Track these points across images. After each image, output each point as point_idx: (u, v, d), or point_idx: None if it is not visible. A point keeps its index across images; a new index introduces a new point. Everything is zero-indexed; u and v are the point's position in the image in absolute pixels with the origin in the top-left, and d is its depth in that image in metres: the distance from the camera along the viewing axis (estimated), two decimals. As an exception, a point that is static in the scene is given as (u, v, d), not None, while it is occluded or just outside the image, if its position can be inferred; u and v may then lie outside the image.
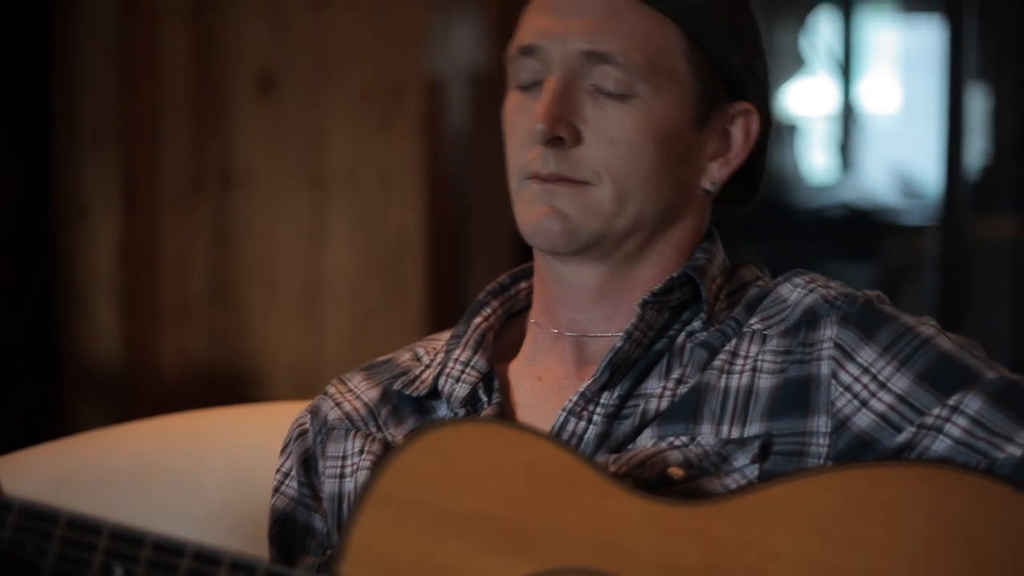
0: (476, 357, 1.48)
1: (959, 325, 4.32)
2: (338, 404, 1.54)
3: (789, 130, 5.89)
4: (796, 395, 1.38)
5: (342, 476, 1.49)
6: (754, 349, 1.42)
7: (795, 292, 1.44)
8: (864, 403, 1.37)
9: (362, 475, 1.46)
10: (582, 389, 1.42)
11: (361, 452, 1.48)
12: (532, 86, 1.44)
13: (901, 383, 1.36)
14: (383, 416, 1.51)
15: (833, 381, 1.38)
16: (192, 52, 4.13)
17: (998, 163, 4.96)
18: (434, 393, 1.49)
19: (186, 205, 4.14)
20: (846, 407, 1.37)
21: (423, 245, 4.03)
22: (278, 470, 1.55)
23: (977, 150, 4.80)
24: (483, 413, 1.46)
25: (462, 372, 1.48)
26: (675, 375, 1.42)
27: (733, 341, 1.43)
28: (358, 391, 1.54)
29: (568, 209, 1.41)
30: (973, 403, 1.34)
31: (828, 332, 1.40)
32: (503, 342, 1.53)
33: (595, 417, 1.42)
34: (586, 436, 1.41)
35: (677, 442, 1.38)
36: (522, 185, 1.44)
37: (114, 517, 1.27)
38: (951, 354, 1.38)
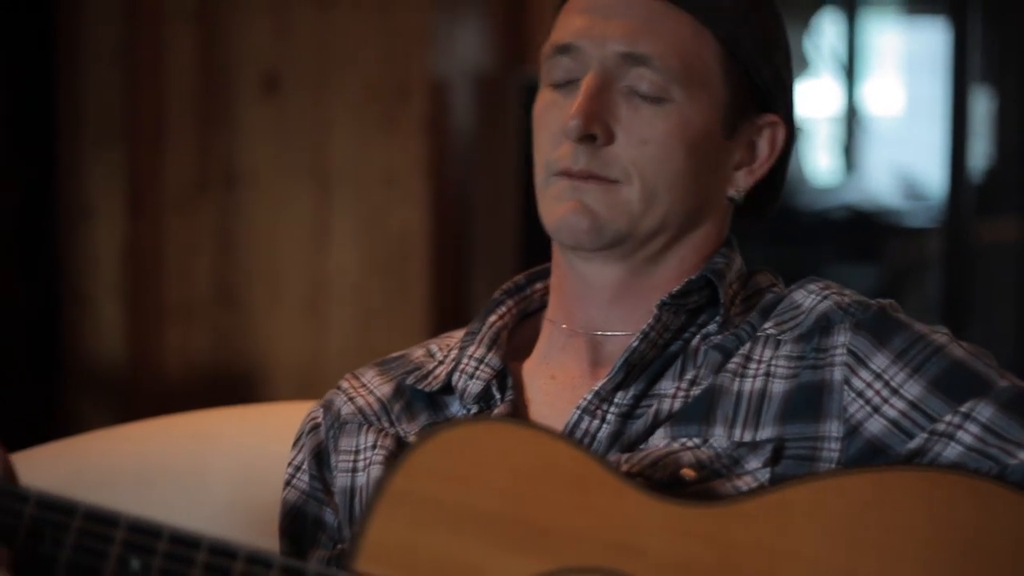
0: (490, 354, 1.49)
1: (962, 328, 4.32)
2: (351, 399, 1.54)
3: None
4: (808, 400, 1.39)
5: (354, 470, 1.49)
6: (767, 354, 1.42)
7: (809, 298, 1.45)
8: (876, 409, 1.37)
9: (375, 470, 1.46)
10: (597, 388, 1.43)
11: (374, 447, 1.48)
12: (566, 85, 1.45)
13: (913, 390, 1.37)
14: (396, 411, 1.51)
15: (846, 387, 1.38)
16: (196, 53, 4.13)
17: (1002, 165, 4.96)
18: (447, 389, 1.50)
19: (190, 205, 4.15)
20: (858, 412, 1.38)
21: (427, 245, 4.03)
22: (290, 463, 1.56)
23: (981, 152, 4.80)
24: (496, 410, 1.46)
25: (476, 369, 1.48)
26: (688, 376, 1.43)
27: (747, 345, 1.43)
28: (371, 386, 1.55)
29: (596, 206, 1.42)
30: (985, 410, 1.35)
31: (841, 338, 1.40)
32: (517, 341, 1.53)
33: (609, 416, 1.42)
34: (599, 435, 1.41)
35: (689, 443, 1.38)
36: (549, 181, 1.45)
37: (119, 516, 1.26)
38: (963, 362, 1.38)
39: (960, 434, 1.35)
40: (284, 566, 1.24)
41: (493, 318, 1.53)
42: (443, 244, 4.11)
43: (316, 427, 1.55)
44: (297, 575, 1.25)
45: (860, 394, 1.38)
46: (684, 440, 1.38)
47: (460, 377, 1.49)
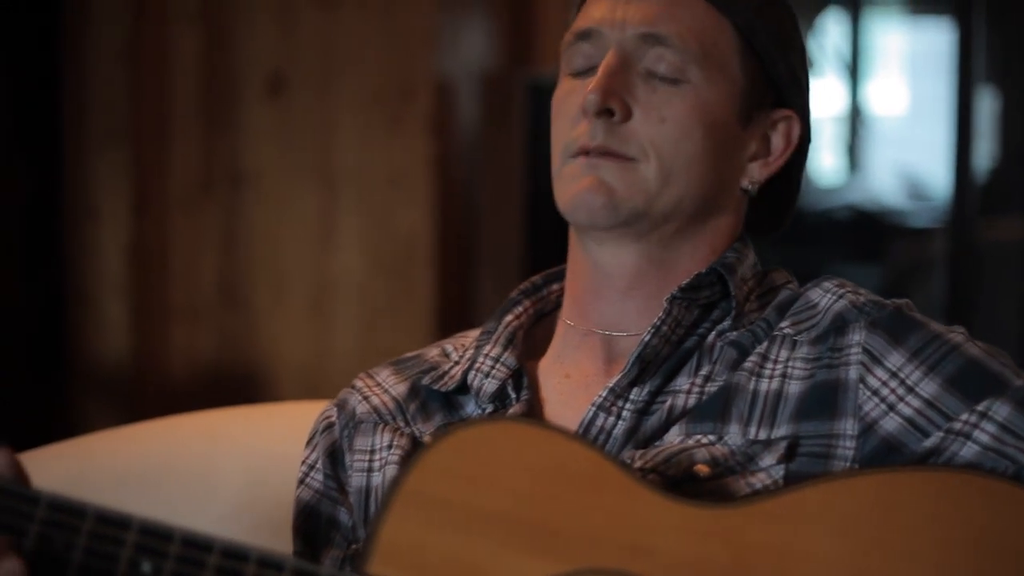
0: (506, 354, 1.49)
1: (967, 327, 4.30)
2: (366, 398, 1.54)
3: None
4: (824, 398, 1.39)
5: (370, 470, 1.49)
6: (784, 354, 1.42)
7: (825, 297, 1.45)
8: (892, 407, 1.37)
9: (390, 469, 1.46)
10: (611, 384, 1.43)
11: (390, 446, 1.48)
12: (586, 72, 1.46)
13: (929, 388, 1.37)
14: (411, 411, 1.52)
15: (861, 385, 1.38)
16: (201, 53, 4.13)
17: (1006, 165, 4.96)
18: (462, 388, 1.50)
19: (195, 206, 4.15)
20: (873, 411, 1.38)
21: (432, 246, 4.03)
22: (303, 462, 1.56)
23: (985, 152, 4.80)
24: (511, 409, 1.46)
25: (492, 368, 1.48)
26: (703, 372, 1.43)
27: (764, 344, 1.44)
28: (386, 385, 1.55)
29: (613, 182, 1.42)
30: (1002, 409, 1.35)
31: (856, 337, 1.41)
32: (532, 341, 1.53)
33: (624, 413, 1.42)
34: (615, 432, 1.42)
35: (704, 440, 1.38)
36: (566, 163, 1.45)
37: (127, 517, 1.26)
38: (980, 361, 1.38)
39: (977, 433, 1.35)
40: (296, 569, 1.24)
41: (509, 318, 1.53)
42: (448, 244, 4.11)
43: (330, 426, 1.55)
44: None
45: (875, 392, 1.38)
46: (699, 437, 1.39)
47: (476, 376, 1.49)
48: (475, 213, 4.24)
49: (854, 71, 6.15)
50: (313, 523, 1.52)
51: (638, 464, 1.37)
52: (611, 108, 1.42)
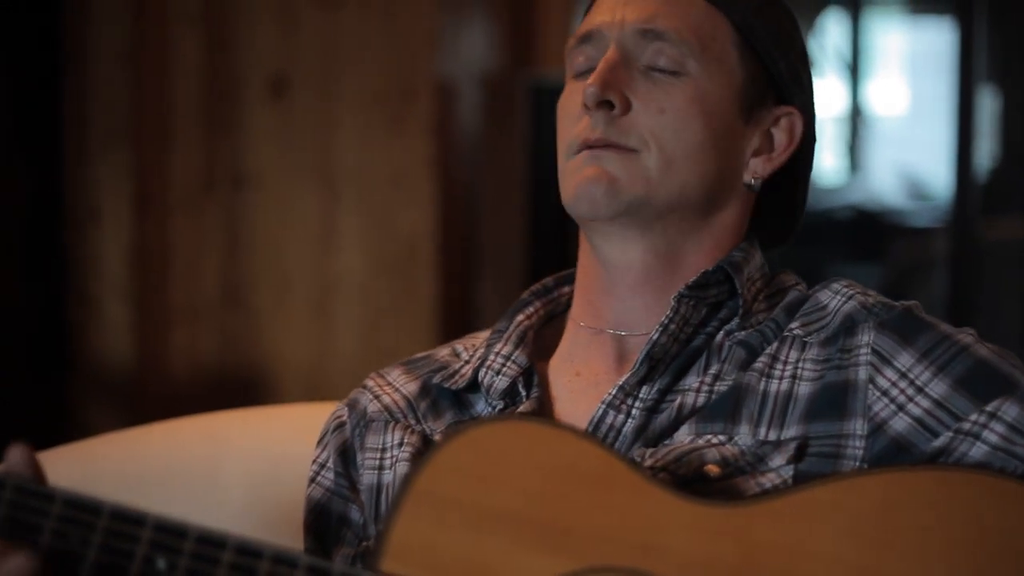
0: (517, 352, 1.50)
1: (968, 327, 4.30)
2: (377, 397, 1.55)
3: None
4: (833, 399, 1.39)
5: (381, 468, 1.50)
6: (794, 355, 1.43)
7: (835, 299, 1.46)
8: (901, 407, 1.38)
9: (401, 467, 1.47)
10: (621, 382, 1.44)
11: (400, 444, 1.49)
12: (587, 72, 1.48)
13: (939, 388, 1.38)
14: (422, 409, 1.53)
15: (870, 386, 1.39)
16: (203, 54, 4.13)
17: (1007, 165, 4.97)
18: (473, 387, 1.51)
19: (197, 207, 4.15)
20: (883, 411, 1.38)
21: (433, 246, 4.03)
22: (314, 461, 1.56)
23: (986, 152, 4.81)
24: (521, 407, 1.47)
25: (503, 365, 1.49)
26: (712, 371, 1.44)
27: (774, 344, 1.44)
28: (397, 384, 1.56)
29: (615, 171, 1.44)
30: (1011, 410, 1.35)
31: (866, 338, 1.41)
32: (542, 342, 1.54)
33: (633, 411, 1.43)
34: (624, 429, 1.42)
35: (715, 440, 1.39)
36: (569, 158, 1.47)
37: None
38: (989, 361, 1.39)
39: (986, 433, 1.35)
40: (310, 566, 1.24)
41: (520, 317, 1.54)
42: (450, 245, 4.11)
43: (341, 425, 1.56)
44: (323, 575, 1.25)
45: (885, 392, 1.38)
46: (709, 437, 1.39)
47: (487, 373, 1.50)
48: (476, 214, 4.24)
49: (854, 71, 6.15)
50: (324, 521, 1.53)
51: (648, 463, 1.38)
52: (610, 100, 1.44)
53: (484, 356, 1.51)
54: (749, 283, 1.48)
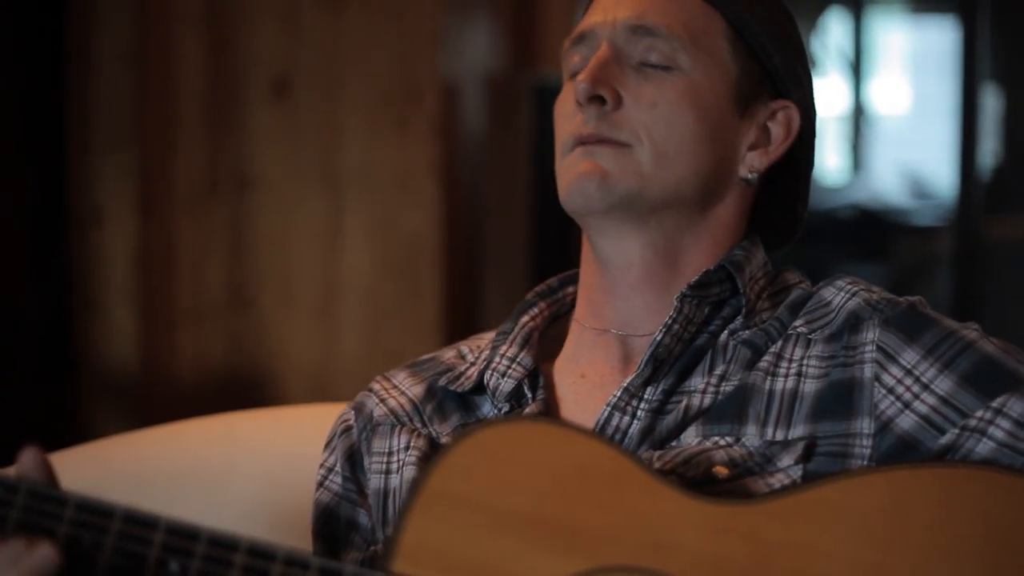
0: (522, 354, 1.50)
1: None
2: (383, 400, 1.55)
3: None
4: (839, 398, 1.39)
5: (388, 472, 1.50)
6: (799, 353, 1.43)
7: (839, 296, 1.46)
8: (907, 405, 1.38)
9: (408, 471, 1.47)
10: (625, 384, 1.44)
11: (407, 448, 1.49)
12: (581, 71, 1.48)
13: (944, 385, 1.38)
14: (428, 412, 1.53)
15: (876, 384, 1.39)
16: (206, 56, 4.14)
17: (1011, 163, 4.97)
18: (479, 389, 1.51)
19: (201, 209, 4.15)
20: (889, 409, 1.38)
21: (438, 247, 4.04)
22: (322, 465, 1.56)
23: (989, 151, 4.81)
24: (527, 409, 1.47)
25: (508, 367, 1.49)
26: (718, 372, 1.44)
27: (779, 343, 1.44)
28: (403, 387, 1.56)
29: (607, 165, 1.44)
30: (1017, 406, 1.35)
31: (870, 335, 1.41)
32: (547, 342, 1.54)
33: (639, 412, 1.43)
34: (630, 431, 1.42)
35: (722, 442, 1.39)
36: (564, 156, 1.47)
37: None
38: (994, 357, 1.39)
39: (992, 429, 1.35)
40: (322, 567, 1.25)
41: (525, 319, 1.54)
42: (454, 246, 4.11)
43: (348, 429, 1.56)
44: None
45: (891, 390, 1.38)
46: (716, 439, 1.39)
47: (492, 375, 1.50)
48: (481, 215, 4.25)
49: (857, 70, 6.15)
50: (333, 526, 1.53)
51: (657, 465, 1.38)
52: (601, 95, 1.44)
53: (489, 358, 1.51)
54: (752, 282, 1.48)
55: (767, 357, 1.43)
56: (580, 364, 1.50)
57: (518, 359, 1.50)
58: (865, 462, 1.37)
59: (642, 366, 1.44)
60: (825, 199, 5.89)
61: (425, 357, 1.60)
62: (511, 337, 1.52)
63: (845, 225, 5.76)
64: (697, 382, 1.44)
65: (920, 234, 5.59)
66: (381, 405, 1.55)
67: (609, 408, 1.43)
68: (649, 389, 1.44)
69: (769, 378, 1.42)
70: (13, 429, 3.78)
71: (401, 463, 1.49)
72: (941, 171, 5.08)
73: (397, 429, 1.52)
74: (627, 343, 1.48)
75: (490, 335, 1.57)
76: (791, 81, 1.51)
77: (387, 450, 1.51)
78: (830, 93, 6.08)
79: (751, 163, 1.50)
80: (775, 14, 1.52)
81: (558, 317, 1.57)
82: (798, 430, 1.39)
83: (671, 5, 1.48)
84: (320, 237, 4.10)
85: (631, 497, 1.27)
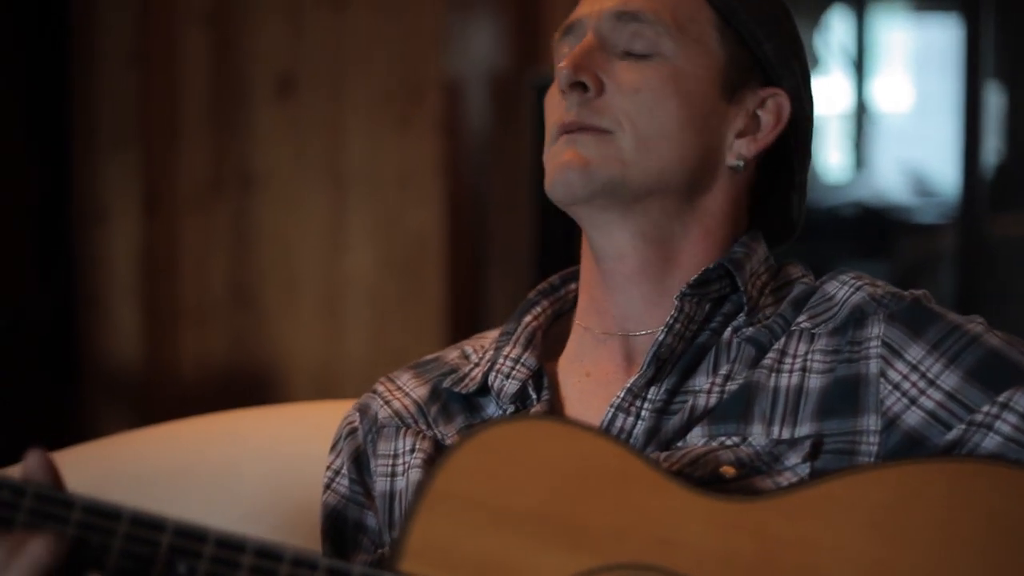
0: (526, 354, 1.50)
1: (976, 323, 4.29)
2: (387, 402, 1.55)
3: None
4: (846, 394, 1.39)
5: (393, 475, 1.50)
6: (803, 348, 1.42)
7: (842, 290, 1.45)
8: (913, 401, 1.37)
9: (414, 473, 1.47)
10: (628, 384, 1.43)
11: (412, 450, 1.49)
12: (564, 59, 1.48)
13: (950, 380, 1.37)
14: (432, 414, 1.52)
15: (882, 379, 1.38)
16: (211, 55, 4.14)
17: (1014, 161, 4.96)
18: (483, 390, 1.51)
19: (205, 208, 4.15)
20: (895, 405, 1.38)
21: (442, 246, 4.03)
22: (328, 467, 1.56)
23: (993, 148, 4.80)
24: (532, 410, 1.47)
25: (512, 369, 1.49)
26: (723, 371, 1.43)
27: (782, 340, 1.44)
28: (407, 389, 1.56)
29: (588, 153, 1.43)
30: (1023, 400, 1.35)
31: (875, 330, 1.41)
32: (550, 341, 1.54)
33: (643, 412, 1.42)
34: (635, 432, 1.42)
35: (728, 442, 1.38)
36: (550, 146, 1.47)
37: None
38: (1000, 351, 1.39)
39: (998, 424, 1.35)
40: (330, 568, 1.24)
41: (528, 318, 1.54)
42: (458, 244, 4.11)
43: (353, 431, 1.56)
44: None
45: (896, 386, 1.38)
46: (723, 439, 1.39)
47: (496, 377, 1.49)
48: (484, 213, 4.24)
49: (860, 68, 6.14)
50: (340, 528, 1.53)
51: (664, 466, 1.37)
52: (582, 81, 1.44)
53: (493, 359, 1.51)
54: (753, 278, 1.47)
55: (771, 354, 1.43)
56: (584, 363, 1.50)
57: (522, 360, 1.49)
58: (872, 459, 1.36)
59: (645, 366, 1.43)
60: (828, 197, 5.88)
61: (429, 357, 1.60)
62: (514, 337, 1.52)
63: (848, 223, 5.75)
64: (701, 381, 1.44)
65: (923, 232, 5.58)
66: (386, 407, 1.55)
67: (612, 409, 1.43)
68: (652, 389, 1.43)
69: (774, 375, 1.41)
70: (17, 427, 3.79)
71: (407, 466, 1.49)
72: (944, 169, 5.07)
73: (402, 431, 1.51)
74: (629, 342, 1.48)
75: (493, 334, 1.56)
76: (783, 67, 1.50)
77: (392, 453, 1.51)
78: (833, 91, 6.08)
79: (739, 150, 1.48)
80: (766, 2, 1.51)
81: (561, 314, 1.57)
82: (804, 428, 1.38)
83: None
84: (323, 235, 4.10)
85: (638, 494, 1.27)
